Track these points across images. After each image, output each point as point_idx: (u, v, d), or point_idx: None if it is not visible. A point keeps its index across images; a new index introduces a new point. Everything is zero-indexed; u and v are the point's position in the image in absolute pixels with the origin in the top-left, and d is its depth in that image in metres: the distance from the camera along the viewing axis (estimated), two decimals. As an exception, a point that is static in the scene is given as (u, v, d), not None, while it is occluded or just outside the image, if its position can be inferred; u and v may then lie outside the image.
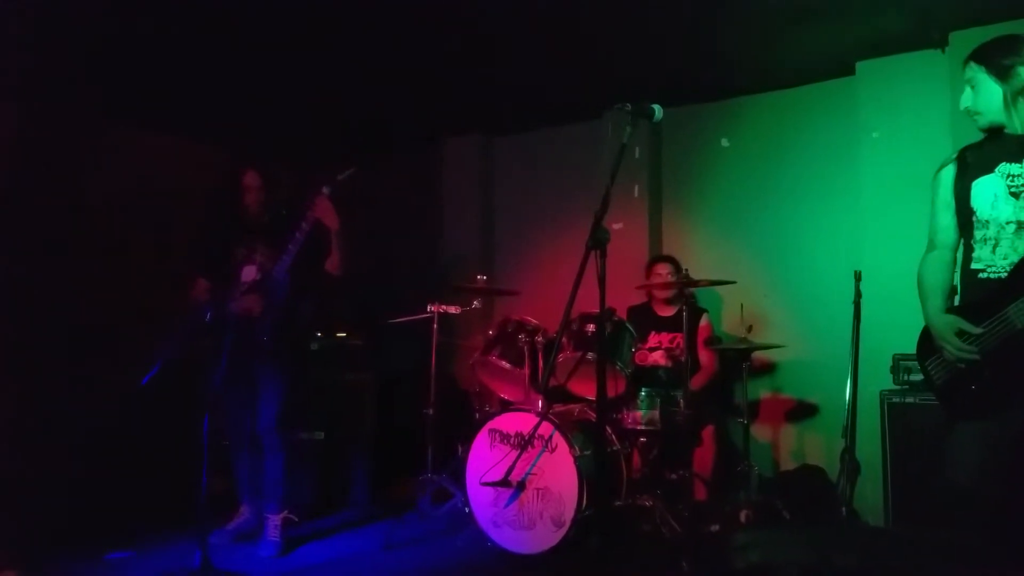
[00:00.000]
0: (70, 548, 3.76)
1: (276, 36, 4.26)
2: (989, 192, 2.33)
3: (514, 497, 3.65)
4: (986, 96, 2.37)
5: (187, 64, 4.58)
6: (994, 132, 2.39)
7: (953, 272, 2.47)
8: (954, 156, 2.47)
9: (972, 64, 2.41)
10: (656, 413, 3.98)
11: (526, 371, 3.98)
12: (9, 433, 4.07)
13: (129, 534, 3.93)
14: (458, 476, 3.98)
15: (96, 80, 4.76)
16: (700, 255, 5.16)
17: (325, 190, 3.74)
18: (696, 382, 4.47)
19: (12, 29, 3.89)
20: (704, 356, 4.67)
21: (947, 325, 2.33)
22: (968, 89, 2.41)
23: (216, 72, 4.73)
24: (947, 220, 2.47)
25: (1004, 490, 2.28)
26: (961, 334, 2.29)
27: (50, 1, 3.70)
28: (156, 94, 5.05)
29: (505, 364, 4.04)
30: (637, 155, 5.35)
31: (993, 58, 2.36)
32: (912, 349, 2.52)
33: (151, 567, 3.59)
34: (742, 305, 4.39)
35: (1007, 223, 2.29)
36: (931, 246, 2.53)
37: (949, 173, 2.46)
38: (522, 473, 3.62)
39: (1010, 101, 2.34)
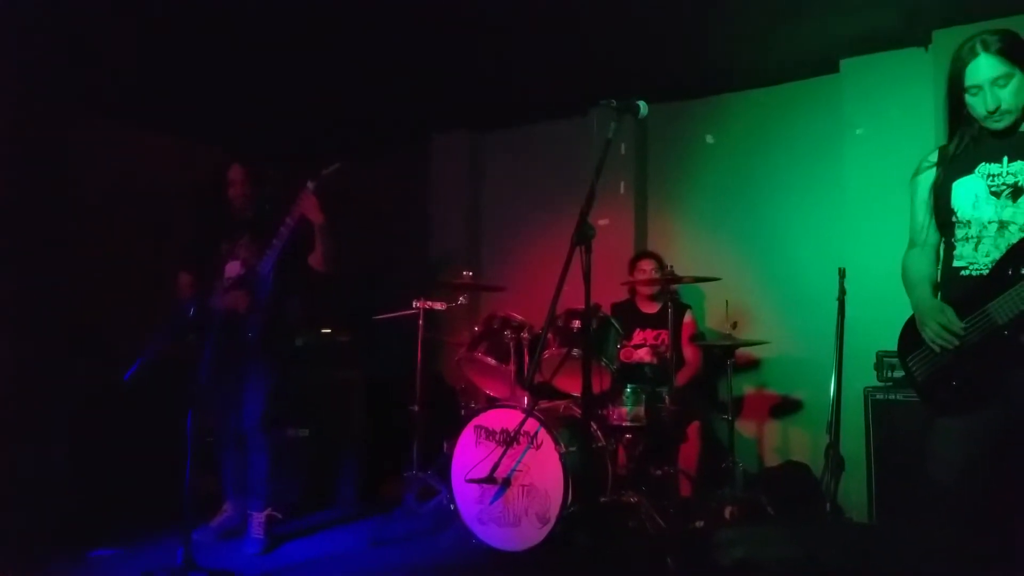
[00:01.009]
0: (53, 545, 3.73)
1: (267, 34, 4.24)
2: (970, 193, 2.33)
3: (499, 494, 3.64)
4: (1021, 95, 2.25)
5: (176, 62, 4.55)
6: (992, 134, 2.33)
7: (936, 266, 2.48)
8: (932, 158, 2.45)
9: (1004, 61, 2.22)
10: (641, 409, 3.99)
11: (512, 367, 3.98)
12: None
13: (113, 532, 3.89)
14: (444, 473, 3.97)
15: (90, 77, 4.72)
16: (685, 251, 5.18)
17: (310, 185, 3.72)
18: (681, 378, 4.48)
19: (6, 26, 3.85)
20: (688, 352, 4.69)
21: (935, 308, 2.32)
22: (996, 89, 2.23)
23: (205, 69, 4.70)
24: (927, 220, 2.46)
25: (984, 485, 2.29)
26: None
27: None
28: (150, 91, 5.02)
29: (491, 360, 4.03)
30: (623, 151, 5.36)
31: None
32: (896, 346, 2.53)
33: (134, 565, 3.55)
34: (727, 301, 4.40)
35: (989, 223, 2.29)
36: (912, 245, 2.54)
37: (928, 175, 2.45)
38: (507, 470, 3.61)
39: None
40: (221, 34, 4.20)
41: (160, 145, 5.65)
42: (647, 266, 4.74)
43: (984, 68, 2.24)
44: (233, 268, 3.82)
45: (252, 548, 3.74)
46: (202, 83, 4.92)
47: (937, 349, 2.31)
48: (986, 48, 2.24)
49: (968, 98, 2.30)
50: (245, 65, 4.66)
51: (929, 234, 2.47)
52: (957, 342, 2.26)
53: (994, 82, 2.23)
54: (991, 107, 2.24)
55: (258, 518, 3.81)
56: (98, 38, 4.18)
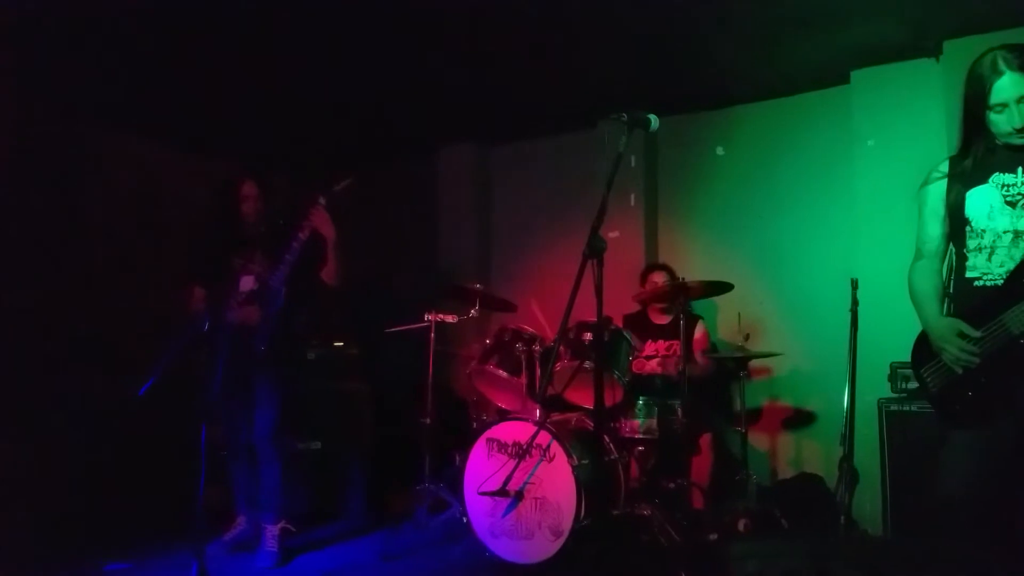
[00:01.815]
0: (67, 559, 3.75)
1: (275, 48, 4.26)
2: (984, 203, 2.33)
3: (512, 507, 3.64)
4: None
5: (186, 74, 4.59)
6: (1002, 146, 2.33)
7: (942, 279, 2.47)
8: (943, 168, 2.45)
9: None
10: (654, 422, 3.99)
11: (523, 380, 3.98)
12: (6, 444, 4.05)
13: (126, 545, 3.92)
14: (455, 486, 3.97)
15: (95, 88, 4.76)
16: (696, 263, 5.16)
17: (321, 200, 3.75)
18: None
19: (12, 36, 3.89)
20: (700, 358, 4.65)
21: (948, 328, 2.31)
22: (1023, 107, 2.23)
23: (214, 83, 4.73)
24: (936, 230, 2.46)
25: (998, 498, 2.28)
26: (962, 337, 2.28)
27: (51, 9, 3.70)
28: (155, 103, 5.05)
29: (502, 373, 4.03)
30: (633, 164, 5.36)
31: None
32: (909, 357, 2.52)
33: (147, 578, 3.58)
34: (739, 314, 4.39)
35: (1004, 232, 2.29)
36: (919, 255, 2.53)
37: (939, 185, 2.44)
38: (520, 482, 3.61)
39: None
40: (231, 46, 4.24)
41: (168, 156, 5.69)
42: (658, 278, 4.72)
43: (1010, 86, 2.23)
44: (247, 282, 3.85)
45: (265, 561, 3.75)
46: (211, 95, 4.95)
47: (959, 370, 2.29)
48: (1009, 65, 2.24)
49: (992, 115, 2.29)
50: (255, 77, 4.68)
51: (938, 245, 2.47)
52: (979, 359, 2.24)
53: (1020, 100, 2.23)
54: (1018, 125, 2.24)
55: (272, 531, 3.82)
56: (107, 50, 4.21)
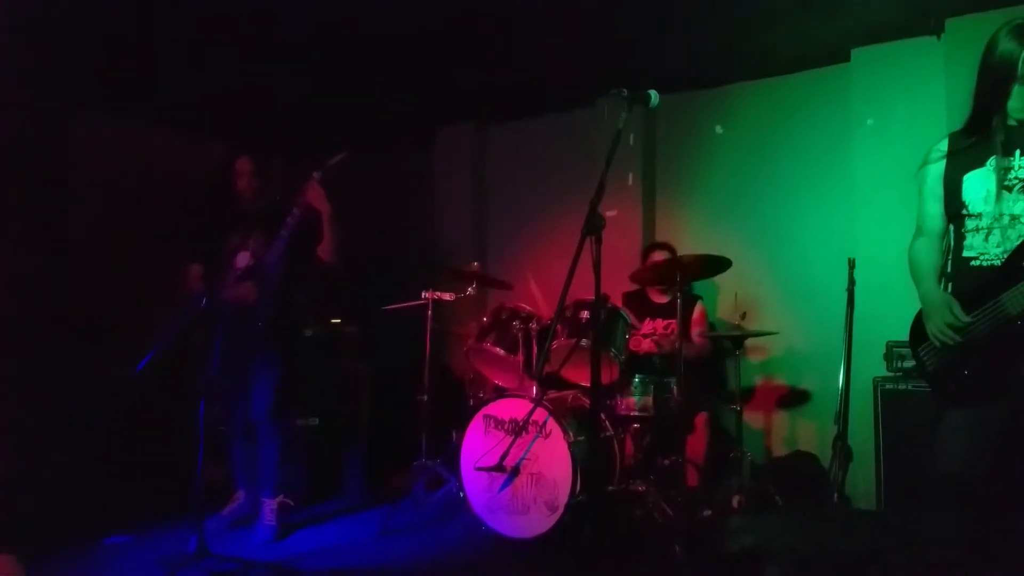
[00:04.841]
0: (69, 532, 3.78)
1: (270, 28, 4.23)
2: (981, 187, 2.31)
3: (508, 482, 3.67)
4: None
5: (182, 55, 4.55)
6: (1006, 128, 2.30)
7: (942, 256, 2.47)
8: (942, 148, 2.43)
9: None
10: (649, 399, 4.01)
11: (520, 358, 3.99)
12: (8, 420, 4.07)
13: (127, 519, 3.95)
14: (452, 463, 4.00)
15: (91, 71, 4.73)
16: (694, 242, 5.14)
17: (316, 175, 3.74)
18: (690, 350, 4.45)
19: (9, 18, 3.86)
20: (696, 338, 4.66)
21: (942, 302, 2.31)
22: None
23: (209, 62, 4.69)
24: (935, 209, 2.45)
25: (991, 477, 2.29)
26: (951, 316, 2.28)
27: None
28: (151, 85, 5.02)
29: (499, 351, 4.05)
30: (631, 142, 5.34)
31: None
32: (905, 336, 2.53)
33: (149, 551, 3.60)
34: (736, 293, 4.40)
35: (1001, 215, 2.28)
36: (919, 232, 2.53)
37: (938, 165, 2.42)
38: (516, 459, 3.64)
39: None
40: (225, 26, 4.19)
41: (162, 138, 5.65)
42: (659, 257, 4.71)
43: None
44: (243, 259, 3.84)
45: (264, 535, 3.78)
46: (207, 76, 4.91)
47: (938, 344, 2.30)
48: None
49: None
50: (251, 57, 4.64)
51: (937, 223, 2.47)
52: (960, 339, 2.25)
53: None
54: None
55: (270, 505, 3.85)
56: (100, 30, 4.18)
